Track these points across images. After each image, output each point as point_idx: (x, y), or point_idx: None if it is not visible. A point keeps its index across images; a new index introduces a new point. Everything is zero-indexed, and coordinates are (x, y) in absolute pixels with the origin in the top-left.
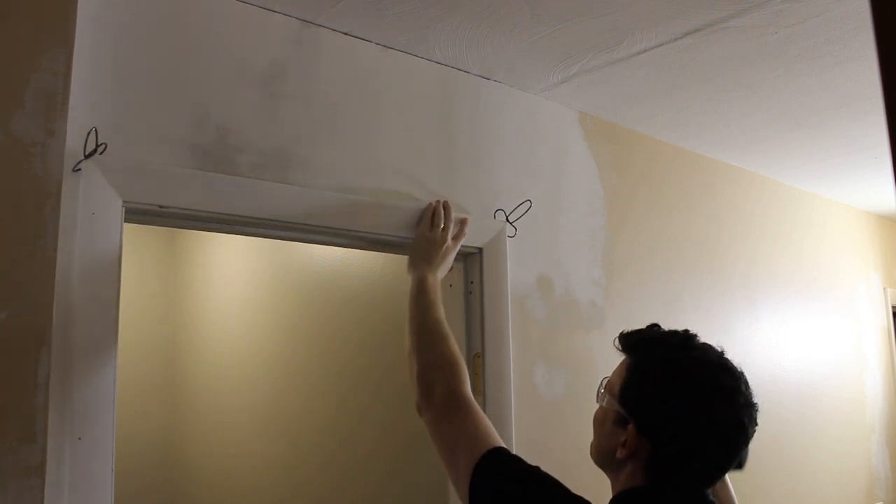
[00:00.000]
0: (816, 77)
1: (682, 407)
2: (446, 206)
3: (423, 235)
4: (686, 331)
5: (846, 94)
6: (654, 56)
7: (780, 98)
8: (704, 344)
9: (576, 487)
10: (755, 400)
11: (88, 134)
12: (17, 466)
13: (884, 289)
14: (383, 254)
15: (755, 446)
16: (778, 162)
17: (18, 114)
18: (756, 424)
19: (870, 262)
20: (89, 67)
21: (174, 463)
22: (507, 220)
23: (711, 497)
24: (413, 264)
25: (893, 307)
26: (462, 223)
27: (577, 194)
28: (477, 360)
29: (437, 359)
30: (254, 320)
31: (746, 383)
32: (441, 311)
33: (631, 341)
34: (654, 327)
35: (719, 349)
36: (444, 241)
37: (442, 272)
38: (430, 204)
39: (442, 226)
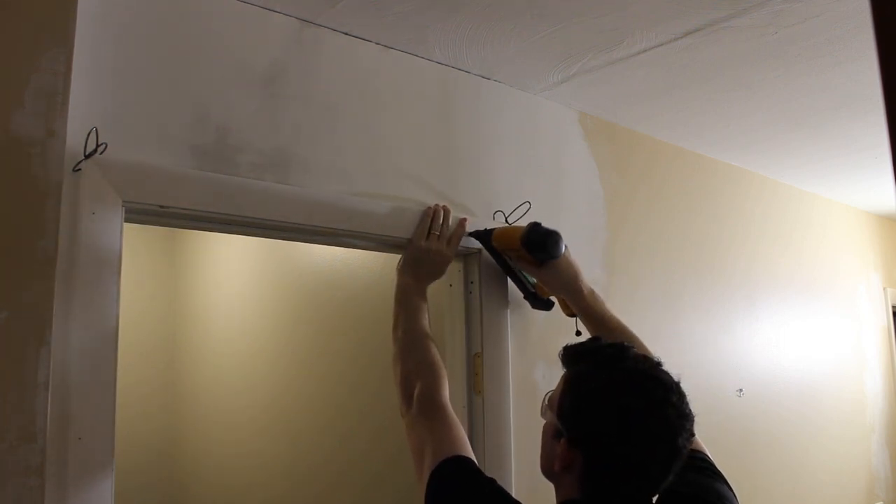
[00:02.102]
0: (816, 77)
1: (610, 418)
2: (446, 212)
3: (417, 242)
4: (622, 342)
5: (846, 93)
6: (654, 56)
7: (780, 98)
8: (638, 355)
9: None
10: (689, 410)
11: (89, 134)
12: (17, 466)
13: (884, 289)
14: (383, 254)
15: (756, 446)
16: (778, 162)
17: (18, 114)
18: (691, 435)
19: (870, 262)
20: (89, 67)
21: (174, 462)
22: (507, 220)
23: None
24: (402, 269)
25: (893, 307)
26: (459, 225)
27: (576, 194)
28: (476, 360)
29: (416, 365)
30: (254, 320)
31: (680, 393)
32: (425, 319)
33: (569, 354)
34: (594, 340)
35: (656, 360)
36: (438, 249)
37: (430, 280)
38: (429, 208)
39: (438, 233)
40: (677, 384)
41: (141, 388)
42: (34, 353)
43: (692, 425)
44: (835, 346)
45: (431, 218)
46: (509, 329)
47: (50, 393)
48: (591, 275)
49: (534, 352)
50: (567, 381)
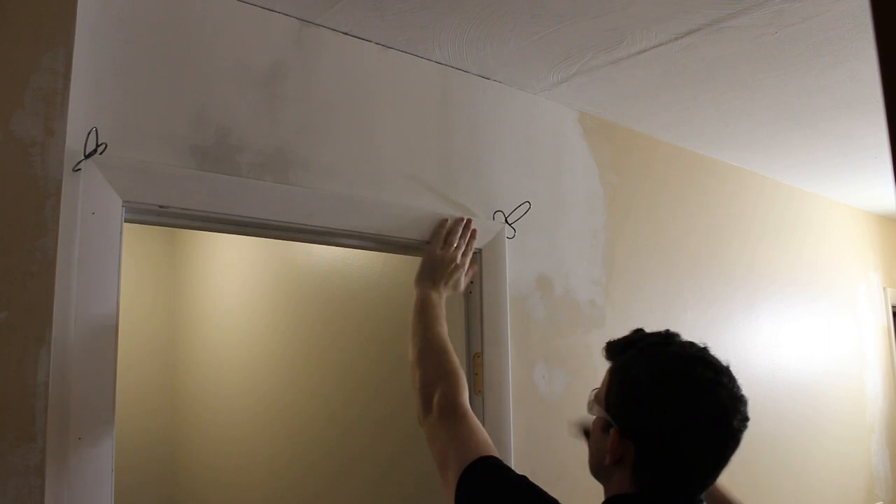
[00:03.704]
0: (816, 77)
1: (660, 404)
2: (466, 225)
3: (433, 252)
4: (667, 330)
5: (846, 93)
6: (654, 56)
7: (779, 98)
8: (684, 341)
9: (575, 488)
10: (742, 393)
11: (88, 134)
12: (18, 466)
13: (884, 288)
14: (383, 254)
15: (756, 446)
16: (778, 161)
17: (18, 114)
18: (746, 419)
19: (870, 262)
20: (89, 67)
21: (174, 462)
22: (506, 221)
23: None
24: (419, 279)
25: (893, 307)
26: (472, 236)
27: (576, 194)
28: (476, 361)
29: (436, 371)
30: (254, 320)
31: (731, 376)
32: (443, 326)
33: (614, 347)
34: (637, 332)
35: (701, 345)
36: (454, 259)
37: (448, 291)
38: (445, 219)
39: (455, 245)
40: (727, 367)
41: (141, 388)
42: (34, 353)
43: (746, 408)
44: (835, 346)
45: (448, 230)
46: (509, 330)
47: (50, 393)
48: (592, 275)
49: (534, 352)
50: (613, 373)
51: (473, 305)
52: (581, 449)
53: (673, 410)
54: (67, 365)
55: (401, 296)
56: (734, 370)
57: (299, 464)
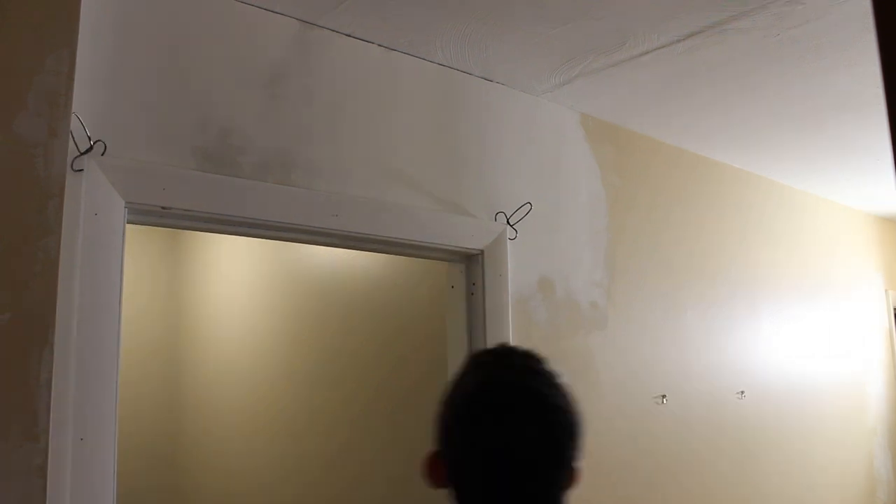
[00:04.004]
0: (818, 79)
1: (443, 432)
2: None
3: None
4: (508, 348)
5: (848, 96)
6: (656, 58)
7: (782, 100)
8: (508, 363)
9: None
10: (524, 438)
11: (90, 135)
12: (20, 466)
13: (885, 291)
14: (385, 255)
15: (757, 449)
16: (780, 163)
17: (22, 115)
18: (523, 464)
19: (872, 265)
20: (92, 69)
21: (176, 463)
22: (508, 222)
23: None
24: None
25: (895, 309)
26: None
27: (578, 196)
28: None
29: None
30: (255, 320)
31: (504, 415)
32: None
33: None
34: (501, 347)
35: (529, 368)
36: None
37: None
38: None
39: None
40: (542, 395)
41: (143, 388)
42: (37, 354)
43: (533, 452)
44: (836, 349)
45: None
46: (511, 330)
47: (52, 393)
48: (593, 276)
49: None
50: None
51: (475, 307)
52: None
53: (447, 442)
54: (70, 365)
55: (401, 296)
56: (736, 372)
57: (301, 463)
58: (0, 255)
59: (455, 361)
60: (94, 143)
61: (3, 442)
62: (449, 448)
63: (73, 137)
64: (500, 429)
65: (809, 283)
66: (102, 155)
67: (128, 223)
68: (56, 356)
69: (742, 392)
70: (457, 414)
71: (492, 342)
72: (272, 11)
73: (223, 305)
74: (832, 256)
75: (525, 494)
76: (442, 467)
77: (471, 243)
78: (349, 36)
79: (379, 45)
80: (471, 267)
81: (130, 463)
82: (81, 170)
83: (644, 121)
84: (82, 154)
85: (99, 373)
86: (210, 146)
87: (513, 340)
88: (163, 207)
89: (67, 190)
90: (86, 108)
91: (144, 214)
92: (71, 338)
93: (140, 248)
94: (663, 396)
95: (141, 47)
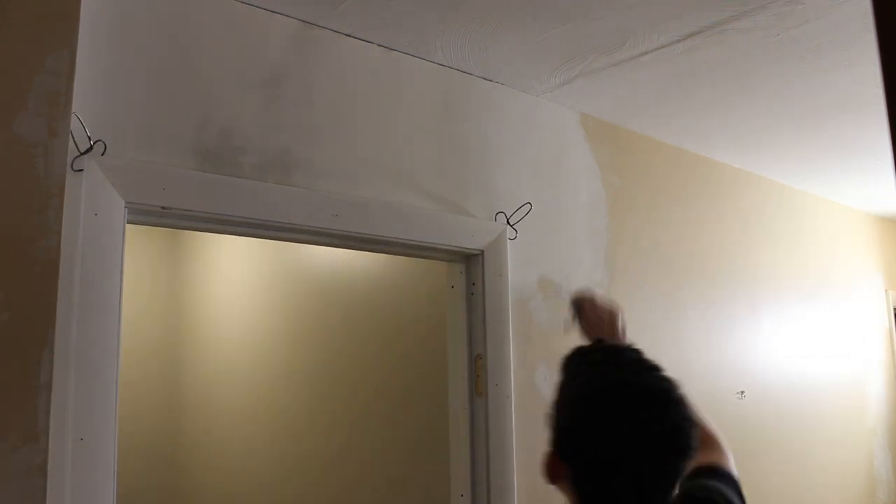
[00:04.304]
0: (819, 79)
1: (584, 430)
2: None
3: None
4: (600, 344)
5: (848, 96)
6: (656, 58)
7: (782, 100)
8: (628, 360)
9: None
10: (673, 416)
11: (90, 135)
12: (20, 467)
13: (885, 291)
14: (385, 255)
15: (757, 449)
16: (780, 163)
17: (22, 115)
18: (676, 447)
19: (872, 265)
20: (92, 69)
21: (176, 463)
22: (508, 222)
23: None
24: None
25: (895, 309)
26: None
27: (578, 196)
28: (478, 362)
29: None
30: (255, 320)
31: (656, 405)
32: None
33: (565, 358)
34: (596, 343)
35: (649, 364)
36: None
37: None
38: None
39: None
40: (661, 392)
41: (143, 389)
42: (37, 354)
43: (677, 435)
44: (836, 349)
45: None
46: (511, 331)
47: (52, 393)
48: (593, 277)
49: (535, 354)
50: (556, 389)
51: (475, 307)
52: None
53: (595, 439)
54: (70, 365)
55: (401, 296)
56: (736, 372)
57: (301, 463)
58: (0, 255)
59: (455, 361)
60: (94, 143)
61: (3, 442)
62: (581, 447)
63: (73, 137)
64: (639, 426)
65: (809, 283)
66: (102, 155)
67: (128, 223)
68: (56, 356)
69: (742, 392)
70: (587, 416)
71: (492, 342)
72: (272, 11)
73: (223, 305)
74: (832, 256)
75: (660, 488)
76: (562, 467)
77: (471, 243)
78: (349, 36)
79: (379, 45)
80: (471, 267)
81: (130, 463)
82: (81, 170)
83: (644, 121)
84: (82, 154)
85: (99, 373)
86: (210, 146)
87: (513, 340)
88: (163, 207)
89: (67, 190)
90: (86, 108)
91: (144, 214)
92: (71, 338)
93: (140, 248)
94: None
95: (141, 47)
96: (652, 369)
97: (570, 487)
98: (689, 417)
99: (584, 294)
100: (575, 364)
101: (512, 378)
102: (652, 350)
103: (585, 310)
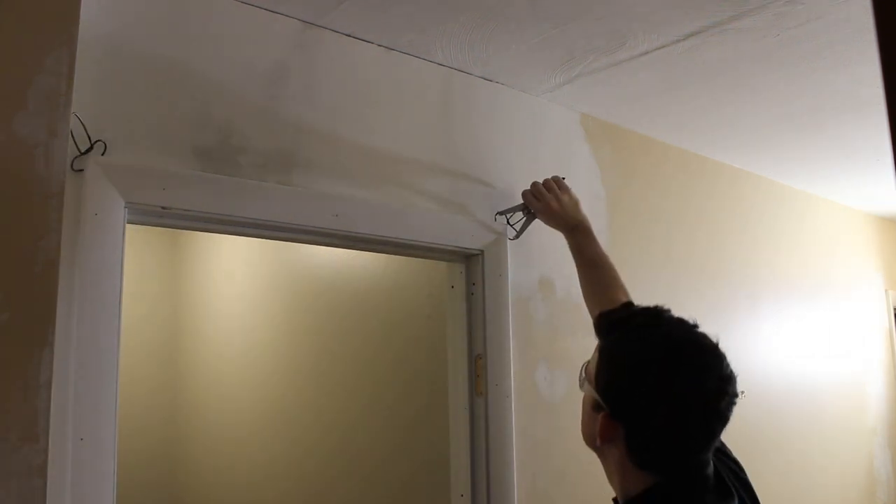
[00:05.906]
0: (819, 79)
1: (648, 389)
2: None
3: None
4: (657, 307)
5: (848, 96)
6: (657, 58)
7: (782, 100)
8: (674, 319)
9: (577, 490)
10: (729, 372)
11: (90, 135)
12: (20, 467)
13: (886, 291)
14: (385, 255)
15: (756, 449)
16: (780, 163)
17: (21, 114)
18: (735, 397)
19: (872, 264)
20: (92, 68)
21: (176, 462)
22: (508, 222)
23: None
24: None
25: (895, 309)
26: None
27: (578, 196)
28: (478, 362)
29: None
30: (255, 321)
31: (718, 356)
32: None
33: (603, 324)
34: (627, 307)
35: (692, 321)
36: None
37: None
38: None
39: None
40: (716, 346)
41: (143, 388)
42: (36, 354)
43: (734, 386)
44: (836, 349)
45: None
46: (511, 331)
47: (52, 393)
48: None
49: (535, 353)
50: (602, 353)
51: (475, 307)
52: (583, 452)
53: (660, 395)
54: (69, 365)
55: (401, 296)
56: (737, 372)
57: (301, 463)
58: (0, 255)
59: (455, 361)
60: (94, 143)
61: (3, 442)
62: (641, 404)
63: (73, 137)
64: (697, 378)
65: (809, 283)
66: (102, 155)
67: (128, 223)
68: (56, 356)
69: (742, 392)
70: (648, 373)
71: (492, 342)
72: (272, 11)
73: (223, 305)
74: (832, 256)
75: (715, 435)
76: (615, 427)
77: (471, 243)
78: (349, 36)
79: (379, 45)
80: (471, 267)
81: (131, 463)
82: (81, 170)
83: (644, 121)
84: (82, 154)
85: (99, 373)
86: (210, 146)
87: (513, 340)
88: (163, 207)
89: (67, 190)
90: (86, 108)
91: (144, 214)
92: (71, 338)
93: (140, 248)
94: None
95: (141, 47)
96: (695, 326)
97: (623, 446)
98: (732, 368)
99: (551, 179)
100: (618, 327)
101: (512, 378)
102: None
103: (547, 197)
